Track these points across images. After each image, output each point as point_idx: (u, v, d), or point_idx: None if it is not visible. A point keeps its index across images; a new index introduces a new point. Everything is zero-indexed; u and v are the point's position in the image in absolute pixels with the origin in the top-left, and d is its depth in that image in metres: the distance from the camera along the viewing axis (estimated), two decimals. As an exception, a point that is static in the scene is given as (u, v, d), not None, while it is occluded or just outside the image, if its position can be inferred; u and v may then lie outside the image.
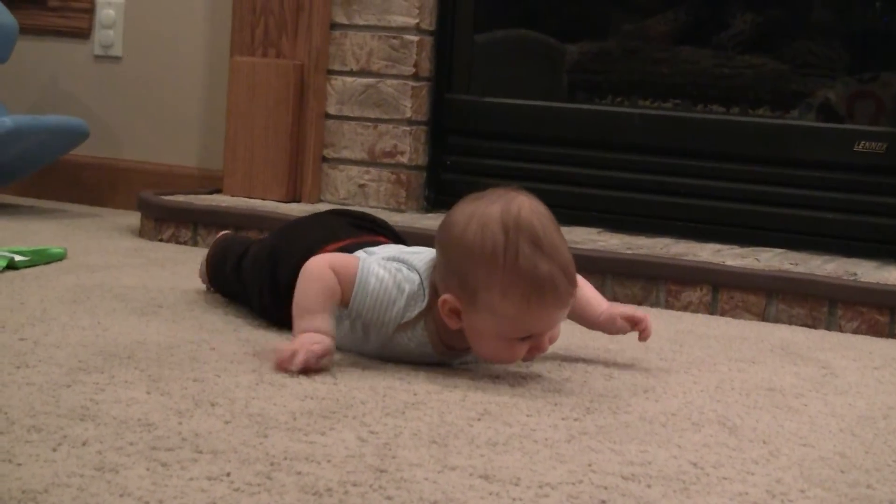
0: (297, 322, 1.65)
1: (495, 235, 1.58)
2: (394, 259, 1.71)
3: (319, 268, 1.66)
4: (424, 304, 1.66)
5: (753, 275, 2.41)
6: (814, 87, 2.98)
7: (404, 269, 1.68)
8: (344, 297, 1.66)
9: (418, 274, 1.67)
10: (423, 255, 1.71)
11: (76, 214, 3.30)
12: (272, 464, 1.17)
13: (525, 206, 1.61)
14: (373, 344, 1.71)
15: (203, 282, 2.22)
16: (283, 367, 1.58)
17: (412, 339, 1.69)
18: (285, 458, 1.19)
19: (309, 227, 1.98)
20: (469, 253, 1.60)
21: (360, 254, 1.77)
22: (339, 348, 1.72)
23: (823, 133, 2.84)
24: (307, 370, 1.57)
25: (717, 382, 1.75)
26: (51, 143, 3.20)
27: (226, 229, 2.77)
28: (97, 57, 3.55)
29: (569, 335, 2.04)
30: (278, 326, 1.88)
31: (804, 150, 2.81)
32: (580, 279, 1.75)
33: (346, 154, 3.12)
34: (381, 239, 1.89)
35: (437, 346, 1.70)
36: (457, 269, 1.62)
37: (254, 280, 1.94)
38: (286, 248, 1.89)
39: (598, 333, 2.07)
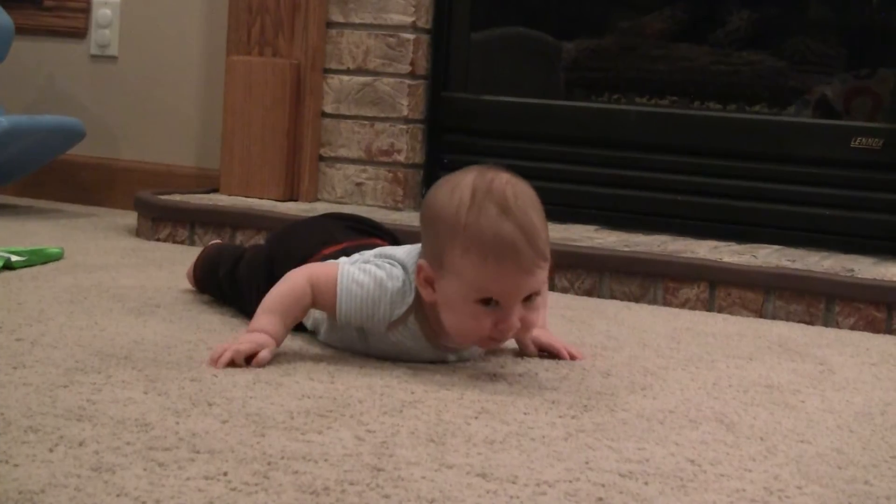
0: (253, 319, 1.67)
1: (462, 196, 1.58)
2: (379, 255, 1.71)
3: (295, 277, 1.68)
4: (412, 298, 1.66)
5: (751, 271, 2.41)
6: (811, 84, 2.98)
7: (387, 266, 1.68)
8: (328, 307, 1.68)
9: (402, 268, 1.67)
10: (407, 248, 1.71)
11: (73, 214, 3.30)
12: (269, 463, 1.17)
13: (502, 177, 1.60)
14: (371, 344, 1.71)
15: (190, 282, 2.22)
16: (211, 363, 1.59)
17: (406, 336, 1.68)
18: (282, 458, 1.19)
19: (306, 230, 1.99)
20: (437, 214, 1.60)
21: (355, 256, 1.77)
22: (338, 348, 1.74)
23: (820, 129, 2.84)
24: (234, 366, 1.58)
25: (714, 379, 1.75)
26: (47, 143, 3.20)
27: (224, 228, 2.78)
28: (93, 56, 3.55)
29: (565, 334, 2.04)
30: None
31: (801, 147, 2.81)
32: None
33: (343, 153, 3.12)
34: (378, 242, 1.89)
35: (432, 339, 1.69)
36: (429, 233, 1.62)
37: (250, 282, 1.94)
38: (283, 251, 1.90)
39: (596, 331, 2.08)
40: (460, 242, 1.56)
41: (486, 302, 1.57)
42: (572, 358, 1.80)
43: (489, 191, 1.57)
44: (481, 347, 1.71)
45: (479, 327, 1.59)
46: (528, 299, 1.59)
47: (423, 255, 1.64)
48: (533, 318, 1.62)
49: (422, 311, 1.66)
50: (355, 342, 1.73)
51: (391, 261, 1.68)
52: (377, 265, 1.68)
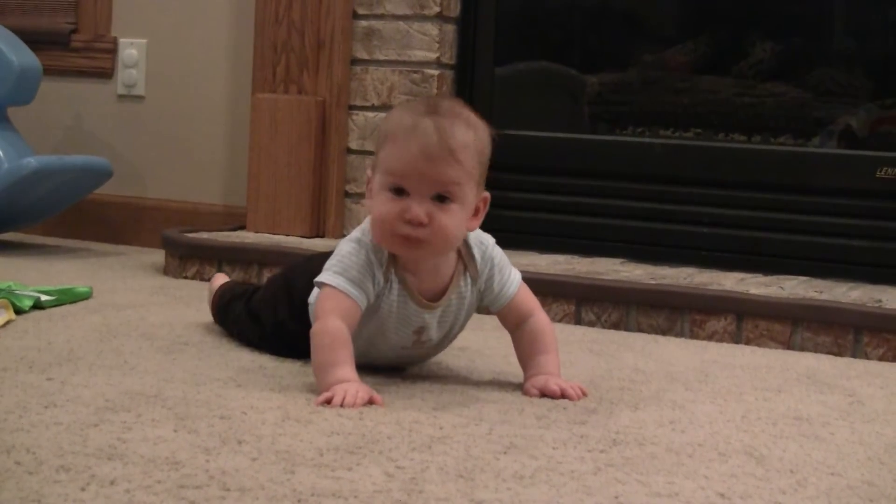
0: (322, 378, 1.67)
1: (411, 103, 1.75)
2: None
3: (323, 326, 1.70)
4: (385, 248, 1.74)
5: (778, 303, 2.40)
6: (835, 115, 2.97)
7: (352, 234, 1.78)
8: (359, 312, 1.73)
9: (364, 225, 1.77)
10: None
11: (101, 253, 3.32)
12: (299, 500, 1.18)
13: (449, 100, 1.78)
14: (369, 330, 1.77)
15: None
16: (331, 405, 1.61)
17: (393, 300, 1.76)
18: (312, 495, 1.20)
19: (321, 256, 2.01)
20: (384, 120, 1.76)
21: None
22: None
23: (845, 160, 2.84)
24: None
25: (743, 412, 1.75)
26: (75, 182, 3.22)
27: (251, 265, 2.79)
28: (120, 96, 3.58)
29: (593, 368, 2.04)
30: (297, 355, 1.91)
31: (826, 178, 2.81)
32: (547, 331, 1.83)
33: (368, 189, 3.12)
34: None
35: (417, 299, 1.77)
36: (376, 142, 1.76)
37: (268, 305, 2.00)
38: (300, 271, 1.96)
39: (624, 364, 2.08)
40: (385, 136, 1.71)
41: (399, 192, 1.68)
42: (565, 396, 1.75)
43: (428, 100, 1.73)
44: (400, 252, 1.74)
45: (386, 215, 1.69)
46: (441, 200, 1.68)
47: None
48: (445, 220, 1.69)
49: (399, 268, 1.76)
50: (361, 342, 1.77)
51: (356, 230, 1.79)
52: (347, 241, 1.77)
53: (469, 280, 1.81)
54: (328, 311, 1.71)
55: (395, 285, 1.76)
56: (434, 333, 1.82)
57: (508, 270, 1.85)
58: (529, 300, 1.86)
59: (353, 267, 1.72)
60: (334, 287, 1.72)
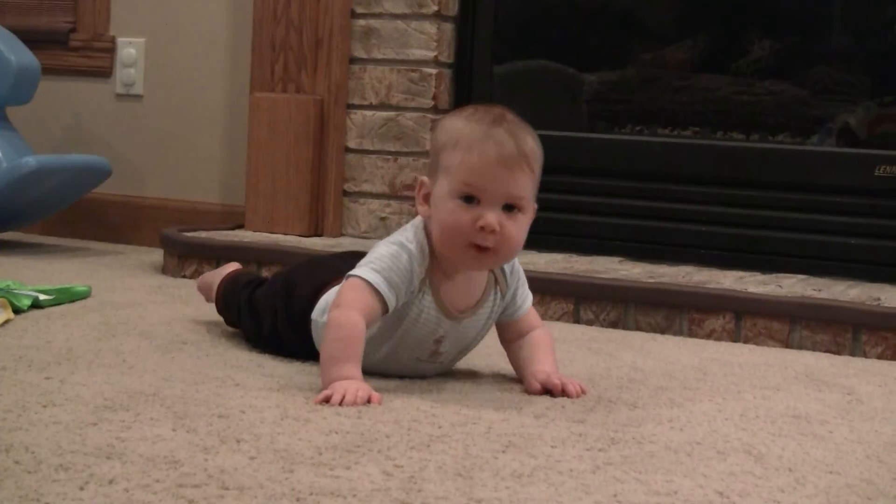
0: (327, 371, 1.66)
1: (465, 113, 1.72)
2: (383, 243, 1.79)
3: (340, 317, 1.68)
4: (428, 251, 1.72)
5: (776, 301, 2.41)
6: (834, 113, 2.97)
7: (395, 237, 1.76)
8: (379, 312, 1.70)
9: (410, 232, 1.75)
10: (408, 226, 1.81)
11: (100, 252, 3.32)
12: (298, 499, 1.18)
13: (506, 109, 1.73)
14: (391, 341, 1.76)
15: (202, 292, 2.29)
16: (330, 403, 1.60)
17: (422, 311, 1.74)
18: (311, 493, 1.20)
19: (325, 261, 2.01)
20: (441, 128, 1.73)
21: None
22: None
23: (844, 158, 2.84)
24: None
25: (741, 410, 1.75)
26: (74, 181, 3.22)
27: (249, 264, 2.79)
28: (119, 95, 3.58)
29: (591, 366, 2.04)
30: (293, 356, 1.92)
31: (825, 176, 2.81)
32: (548, 340, 1.83)
33: (366, 187, 3.13)
34: None
35: (445, 309, 1.75)
36: (432, 148, 1.74)
37: (268, 305, 1.98)
38: (303, 278, 1.94)
39: (622, 362, 2.08)
40: (453, 143, 1.68)
41: (468, 200, 1.66)
42: (565, 394, 1.76)
43: (489, 109, 1.71)
44: (469, 266, 1.73)
45: (459, 223, 1.67)
46: (510, 210, 1.67)
47: (426, 173, 1.76)
48: (513, 230, 1.68)
49: (435, 274, 1.74)
50: (377, 347, 1.76)
51: (397, 235, 1.76)
52: (388, 243, 1.74)
53: (499, 293, 1.81)
54: (351, 302, 1.68)
55: (428, 295, 1.74)
56: (451, 346, 1.81)
57: (526, 285, 1.86)
58: (536, 315, 1.88)
59: (393, 269, 1.70)
60: (369, 283, 1.69)
